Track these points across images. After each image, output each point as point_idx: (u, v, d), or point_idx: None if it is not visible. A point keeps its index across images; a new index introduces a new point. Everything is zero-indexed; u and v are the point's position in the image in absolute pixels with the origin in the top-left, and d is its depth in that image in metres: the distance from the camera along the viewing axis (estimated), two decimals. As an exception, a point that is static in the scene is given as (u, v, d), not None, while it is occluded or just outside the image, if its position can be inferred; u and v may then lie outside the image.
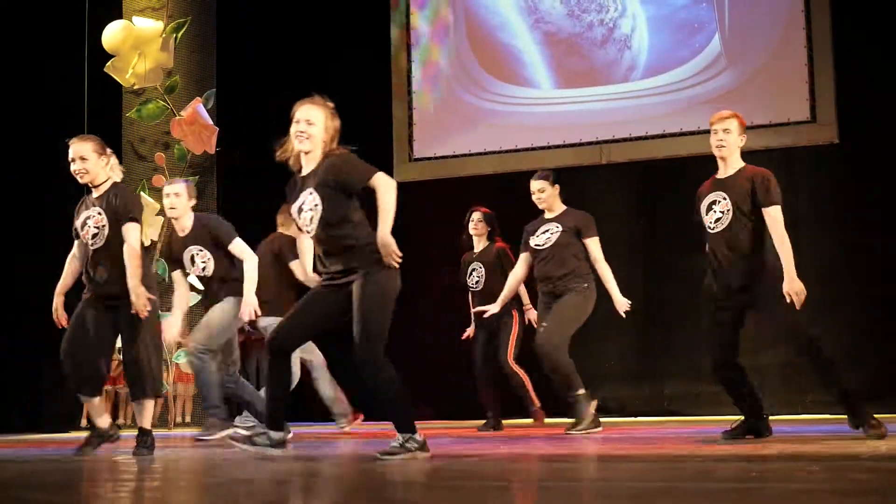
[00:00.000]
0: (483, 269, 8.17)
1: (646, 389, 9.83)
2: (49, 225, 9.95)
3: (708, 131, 9.92)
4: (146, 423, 5.83)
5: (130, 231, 5.65)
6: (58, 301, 5.88)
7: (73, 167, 5.74)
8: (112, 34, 10.76)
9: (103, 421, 5.99)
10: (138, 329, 5.70)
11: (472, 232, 8.30)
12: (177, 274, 6.92)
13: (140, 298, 5.53)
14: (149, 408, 5.83)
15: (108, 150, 5.93)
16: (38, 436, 8.60)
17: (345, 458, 5.40)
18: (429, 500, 3.26)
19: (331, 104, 5.17)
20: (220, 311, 6.85)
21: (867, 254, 9.27)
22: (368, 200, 5.06)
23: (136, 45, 10.84)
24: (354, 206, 5.01)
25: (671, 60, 10.27)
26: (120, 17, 10.92)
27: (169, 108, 10.89)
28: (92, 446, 5.92)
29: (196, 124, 10.69)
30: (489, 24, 11.01)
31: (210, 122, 10.75)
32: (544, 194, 7.46)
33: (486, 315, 7.52)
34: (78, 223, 5.80)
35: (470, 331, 8.23)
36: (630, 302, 7.25)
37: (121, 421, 10.89)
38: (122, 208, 5.70)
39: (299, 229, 5.16)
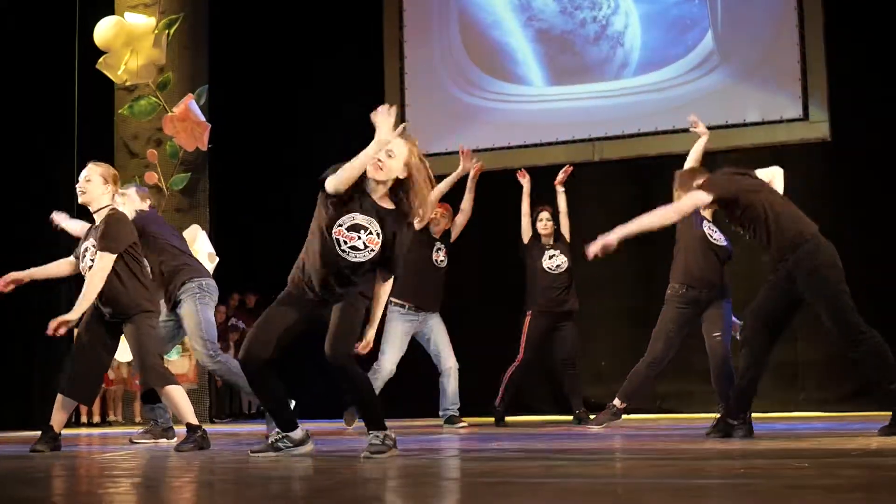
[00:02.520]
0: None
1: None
2: (40, 223, 9.92)
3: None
4: (187, 417, 5.81)
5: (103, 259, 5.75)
6: (19, 276, 5.92)
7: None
8: (104, 30, 10.73)
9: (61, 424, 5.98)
10: (140, 338, 5.82)
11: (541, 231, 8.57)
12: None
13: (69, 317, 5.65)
14: (175, 400, 5.83)
15: (116, 185, 6.02)
16: (29, 433, 8.57)
17: (340, 455, 5.40)
18: (424, 498, 3.26)
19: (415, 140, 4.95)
20: (192, 315, 6.77)
21: (859, 250, 9.28)
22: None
23: (129, 41, 10.80)
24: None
25: (664, 57, 10.28)
26: (112, 13, 10.88)
27: (161, 104, 10.87)
28: (48, 445, 5.86)
29: (188, 121, 10.67)
30: (482, 21, 11.01)
31: (202, 118, 10.73)
32: None
33: None
34: (80, 248, 5.86)
35: None
36: None
37: (112, 417, 10.88)
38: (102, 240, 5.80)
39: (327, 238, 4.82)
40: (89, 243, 5.81)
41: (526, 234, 8.55)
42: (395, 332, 8.14)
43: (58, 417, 5.87)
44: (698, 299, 6.91)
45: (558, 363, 8.50)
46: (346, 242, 4.74)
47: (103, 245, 5.72)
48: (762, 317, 5.71)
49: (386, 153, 4.77)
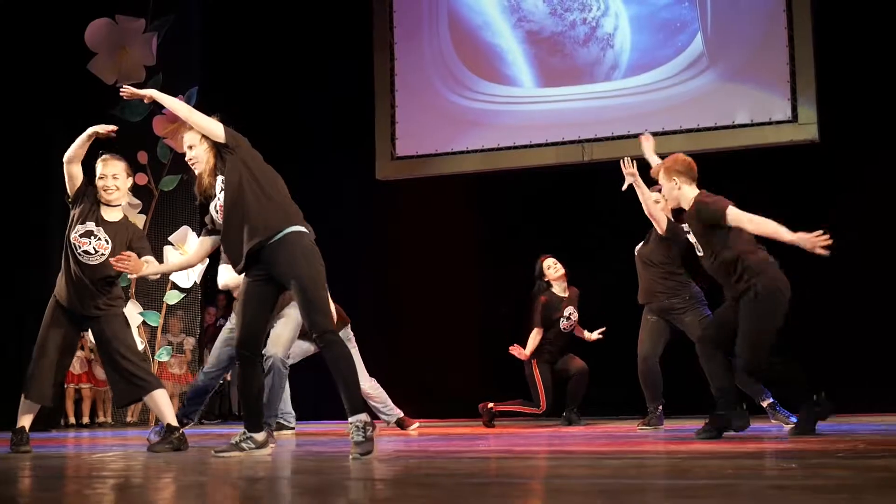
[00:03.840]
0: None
1: (628, 389, 9.84)
2: (32, 222, 9.92)
3: (692, 130, 10.05)
4: (169, 419, 5.85)
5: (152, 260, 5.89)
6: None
7: (102, 182, 5.89)
8: (95, 31, 10.71)
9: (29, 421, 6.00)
10: (121, 334, 5.90)
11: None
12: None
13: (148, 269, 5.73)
14: (161, 402, 5.87)
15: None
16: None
17: (319, 456, 5.40)
18: (414, 499, 3.27)
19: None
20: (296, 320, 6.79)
21: (848, 251, 9.29)
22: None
23: (119, 42, 10.80)
24: None
25: (653, 59, 10.29)
26: (103, 14, 10.86)
27: (151, 105, 10.84)
28: (25, 444, 5.89)
29: (178, 122, 10.65)
30: (472, 23, 11.01)
31: (193, 119, 10.70)
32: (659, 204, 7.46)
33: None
34: (78, 229, 5.83)
35: None
36: None
37: (101, 419, 10.85)
38: (140, 251, 5.85)
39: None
40: (101, 235, 5.82)
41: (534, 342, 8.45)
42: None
43: (25, 419, 5.94)
44: (652, 310, 7.37)
45: (573, 375, 8.45)
46: None
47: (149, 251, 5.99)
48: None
49: (188, 148, 5.22)
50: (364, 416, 4.79)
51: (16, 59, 10.18)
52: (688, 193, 6.12)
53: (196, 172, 5.20)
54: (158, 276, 6.67)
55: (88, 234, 5.82)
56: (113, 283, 5.91)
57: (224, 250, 5.13)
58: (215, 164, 5.13)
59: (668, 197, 6.32)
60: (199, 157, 5.16)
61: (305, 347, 7.49)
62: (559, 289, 8.47)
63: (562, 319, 8.41)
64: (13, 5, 10.14)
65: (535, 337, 8.38)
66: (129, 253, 5.60)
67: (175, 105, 5.23)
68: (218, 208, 5.08)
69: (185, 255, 10.51)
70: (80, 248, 5.80)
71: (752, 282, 5.86)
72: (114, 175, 5.90)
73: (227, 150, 5.07)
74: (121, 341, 5.88)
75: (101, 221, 5.87)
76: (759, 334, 5.84)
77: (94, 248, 5.80)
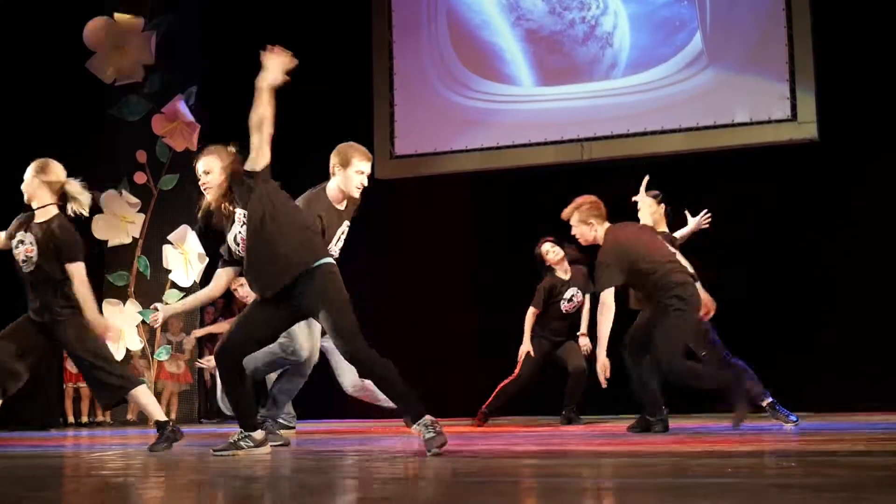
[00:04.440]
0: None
1: (627, 388, 9.82)
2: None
3: (689, 129, 10.05)
4: (156, 415, 5.77)
5: (75, 272, 5.64)
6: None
7: None
8: (93, 30, 10.70)
9: None
10: (82, 339, 5.71)
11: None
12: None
13: (99, 326, 5.67)
14: (143, 400, 5.80)
15: (56, 176, 5.87)
16: (16, 433, 8.56)
17: (330, 455, 5.40)
18: (412, 497, 3.26)
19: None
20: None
21: (846, 249, 9.31)
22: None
23: (118, 41, 10.78)
24: None
25: (652, 58, 10.29)
26: (101, 12, 10.84)
27: (150, 104, 10.84)
28: None
29: (177, 121, 10.66)
30: (471, 21, 11.01)
31: (191, 118, 10.71)
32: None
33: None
34: (14, 243, 5.75)
35: None
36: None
37: (100, 418, 10.83)
38: (64, 251, 5.65)
39: None
40: (27, 238, 5.72)
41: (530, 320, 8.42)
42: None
43: None
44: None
45: (571, 374, 8.38)
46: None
47: (74, 257, 5.74)
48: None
49: (204, 173, 5.18)
50: (429, 417, 4.83)
51: (14, 59, 10.17)
52: (601, 232, 6.53)
53: (206, 198, 5.16)
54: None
55: (19, 243, 5.71)
56: (57, 285, 5.66)
57: (250, 280, 5.08)
58: (226, 193, 5.10)
59: (583, 240, 6.62)
60: (212, 183, 5.13)
61: None
62: (561, 271, 8.38)
63: (563, 302, 8.36)
64: (12, 5, 10.13)
65: (529, 317, 8.34)
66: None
67: (263, 110, 5.39)
68: (239, 241, 5.04)
69: (185, 255, 10.55)
70: (18, 260, 5.70)
71: (675, 294, 6.18)
72: (24, 178, 5.84)
73: (251, 181, 5.03)
74: (84, 349, 5.70)
75: (28, 227, 5.73)
76: (678, 338, 6.20)
77: (24, 255, 5.67)
